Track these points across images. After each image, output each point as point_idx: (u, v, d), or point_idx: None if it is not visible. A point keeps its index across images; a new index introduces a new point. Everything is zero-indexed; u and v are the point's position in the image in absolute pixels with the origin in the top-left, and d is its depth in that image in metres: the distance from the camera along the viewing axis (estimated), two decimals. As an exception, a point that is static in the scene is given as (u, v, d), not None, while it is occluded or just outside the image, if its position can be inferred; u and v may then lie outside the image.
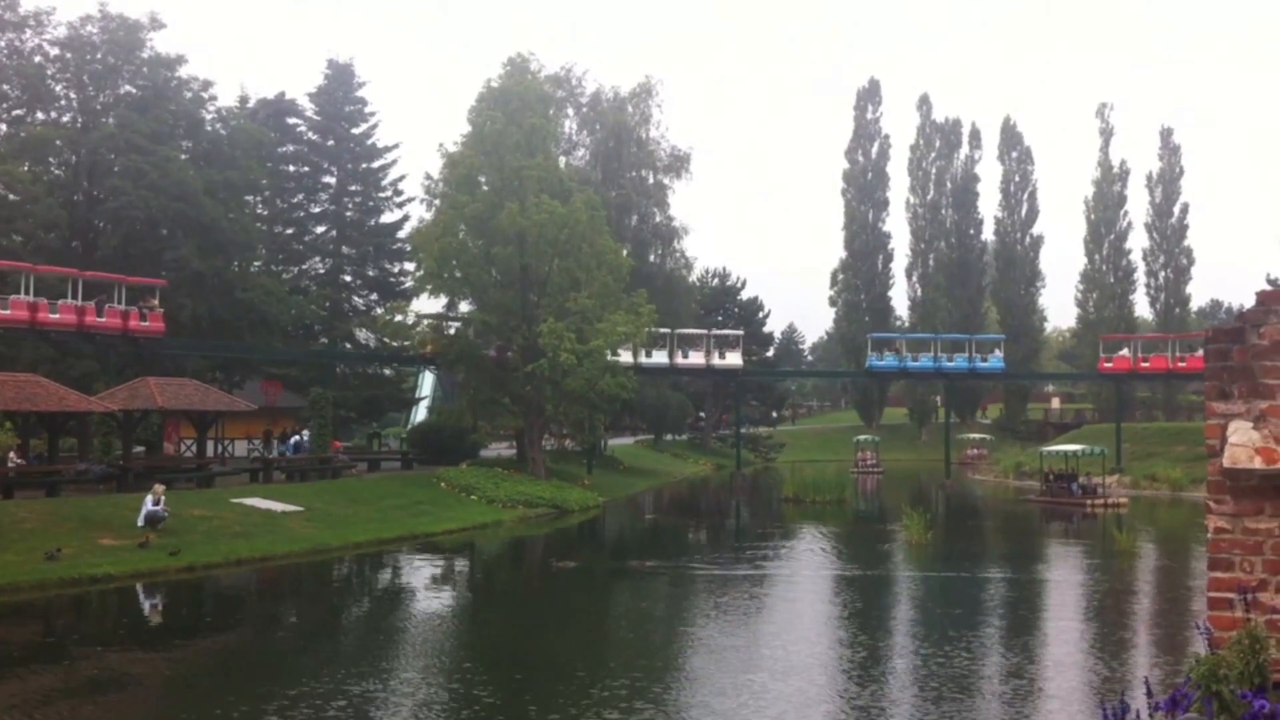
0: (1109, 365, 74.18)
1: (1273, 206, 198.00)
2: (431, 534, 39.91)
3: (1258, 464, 5.92)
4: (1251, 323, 6.09)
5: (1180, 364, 72.09)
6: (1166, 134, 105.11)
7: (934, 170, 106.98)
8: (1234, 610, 5.96)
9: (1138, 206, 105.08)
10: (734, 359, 71.15)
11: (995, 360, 73.74)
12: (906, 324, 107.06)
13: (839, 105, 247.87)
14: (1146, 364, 73.31)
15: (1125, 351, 74.43)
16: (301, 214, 70.74)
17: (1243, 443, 5.97)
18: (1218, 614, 6.04)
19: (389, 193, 71.16)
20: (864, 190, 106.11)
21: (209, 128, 61.11)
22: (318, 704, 16.84)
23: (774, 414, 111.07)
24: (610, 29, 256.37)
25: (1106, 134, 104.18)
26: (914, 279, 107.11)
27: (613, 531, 48.85)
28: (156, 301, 50.11)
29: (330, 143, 69.60)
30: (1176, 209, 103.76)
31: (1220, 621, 6.00)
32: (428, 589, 30.79)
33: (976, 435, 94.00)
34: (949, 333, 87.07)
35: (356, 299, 69.42)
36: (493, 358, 56.30)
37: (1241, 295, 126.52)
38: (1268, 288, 6.42)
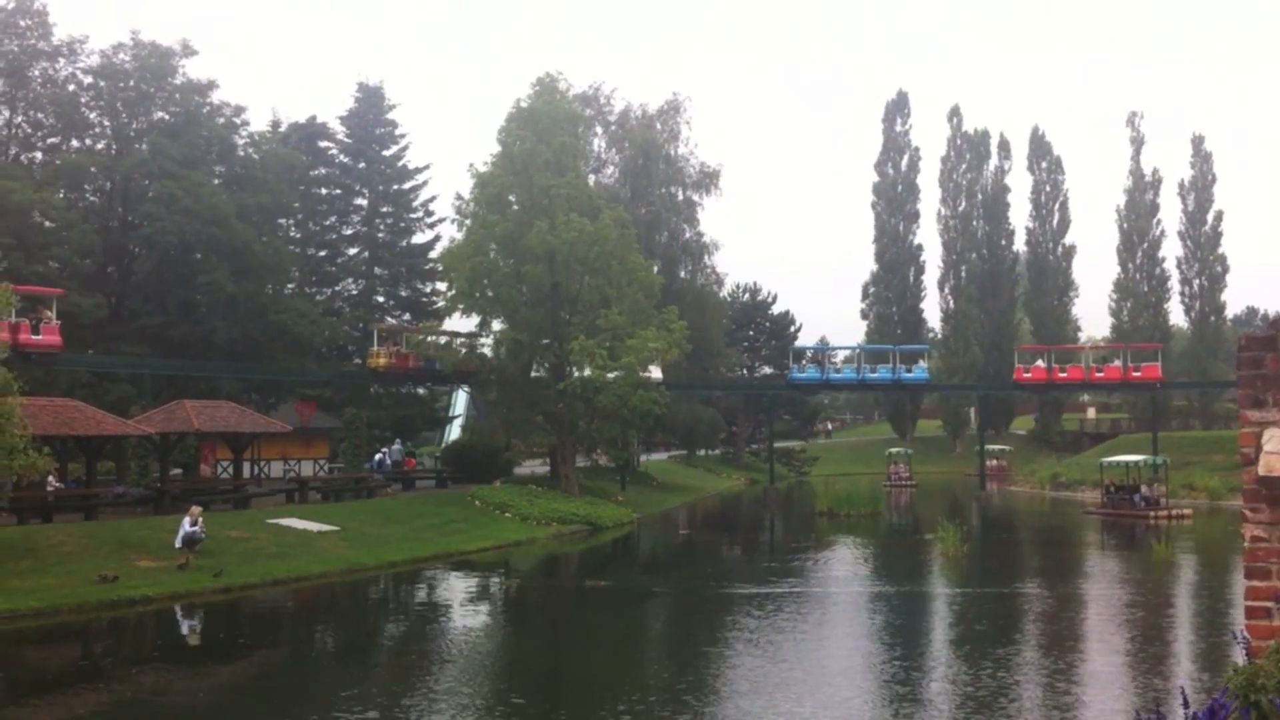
0: (1027, 376, 74.39)
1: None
2: (465, 552, 39.96)
3: (1293, 472, 5.89)
4: (1285, 330, 6.06)
5: (1097, 375, 73.02)
6: (1198, 141, 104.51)
7: (964, 182, 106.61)
8: (1272, 619, 5.92)
9: (1170, 214, 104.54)
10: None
11: (920, 371, 73.53)
12: (939, 336, 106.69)
13: (868, 118, 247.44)
14: (1064, 375, 73.75)
15: (1041, 362, 74.92)
16: (334, 236, 71.20)
17: (1278, 450, 5.93)
18: (1255, 623, 5.99)
19: (420, 214, 71.58)
20: (894, 203, 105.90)
21: (241, 152, 61.61)
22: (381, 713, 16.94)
23: (814, 427, 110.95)
24: (638, 47, 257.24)
25: (1137, 142, 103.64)
26: (946, 291, 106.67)
27: (646, 548, 48.81)
28: (52, 313, 46.21)
29: (361, 165, 70.05)
30: (1210, 216, 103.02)
31: (1258, 630, 5.95)
32: (462, 607, 30.84)
33: (996, 447, 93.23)
34: (981, 346, 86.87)
35: (389, 319, 69.71)
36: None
37: (1277, 302, 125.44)
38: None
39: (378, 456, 55.04)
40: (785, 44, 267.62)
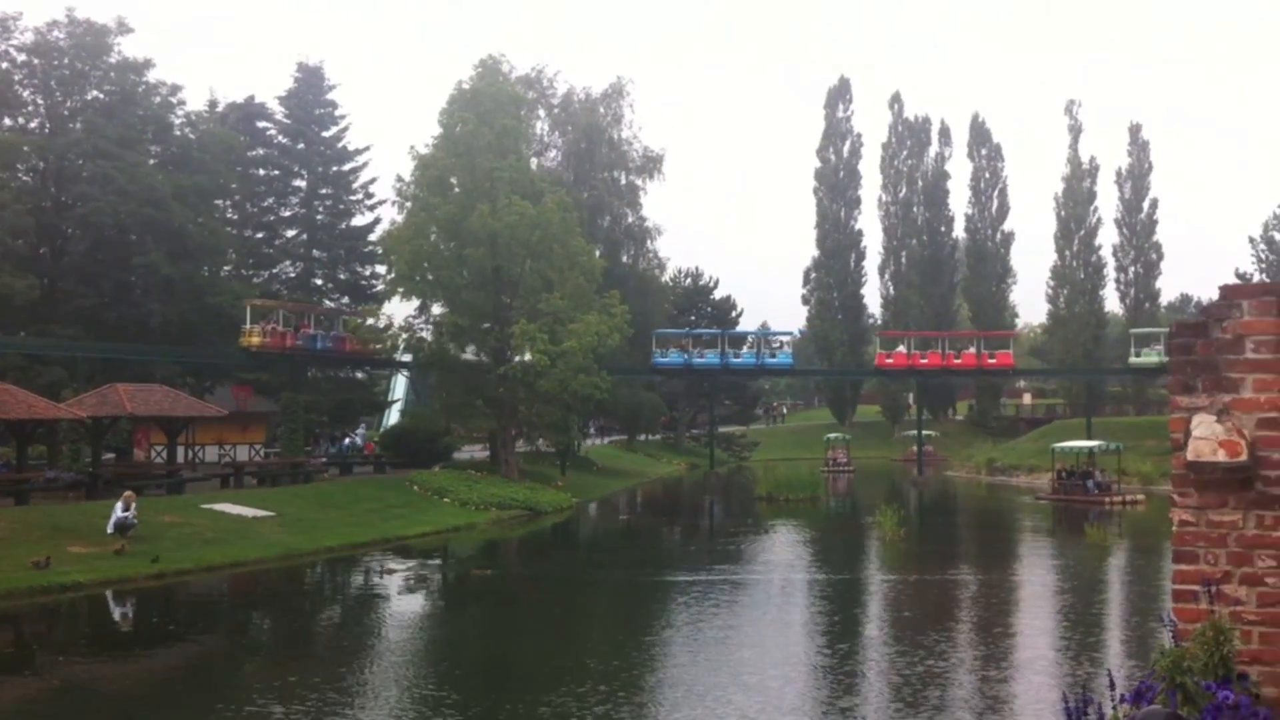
0: (889, 361, 75.77)
1: (1242, 201, 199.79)
2: (404, 537, 39.76)
3: (1221, 457, 5.94)
4: (1215, 317, 6.11)
5: (955, 361, 74.79)
6: (1135, 130, 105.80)
7: (905, 168, 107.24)
8: (1198, 603, 5.98)
9: (1107, 202, 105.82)
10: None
11: (784, 356, 74.34)
12: (879, 321, 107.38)
13: (810, 104, 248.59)
14: (924, 360, 75.24)
15: (902, 348, 76.33)
16: (272, 218, 70.40)
17: (1206, 436, 5.99)
18: (1182, 606, 6.06)
19: (360, 195, 70.92)
20: (836, 189, 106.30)
21: (178, 132, 60.67)
22: (278, 712, 16.77)
23: (772, 409, 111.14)
24: (581, 30, 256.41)
25: (1075, 130, 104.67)
26: (886, 277, 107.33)
27: (586, 533, 48.86)
28: None
29: (300, 146, 69.30)
30: (1146, 205, 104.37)
31: (1185, 614, 6.01)
32: (400, 593, 30.67)
33: (926, 432, 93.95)
34: (922, 329, 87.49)
35: (328, 302, 69.07)
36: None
37: (1211, 289, 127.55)
38: (1235, 281, 6.45)
39: (347, 440, 55.35)
40: (728, 28, 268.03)
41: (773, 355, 74.13)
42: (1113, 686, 5.53)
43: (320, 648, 23.41)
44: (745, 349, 74.20)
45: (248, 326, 53.95)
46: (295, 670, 20.19)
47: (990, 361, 74.59)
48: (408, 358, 60.86)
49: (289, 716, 16.52)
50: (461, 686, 18.92)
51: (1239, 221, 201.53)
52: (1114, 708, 5.20)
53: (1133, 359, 77.87)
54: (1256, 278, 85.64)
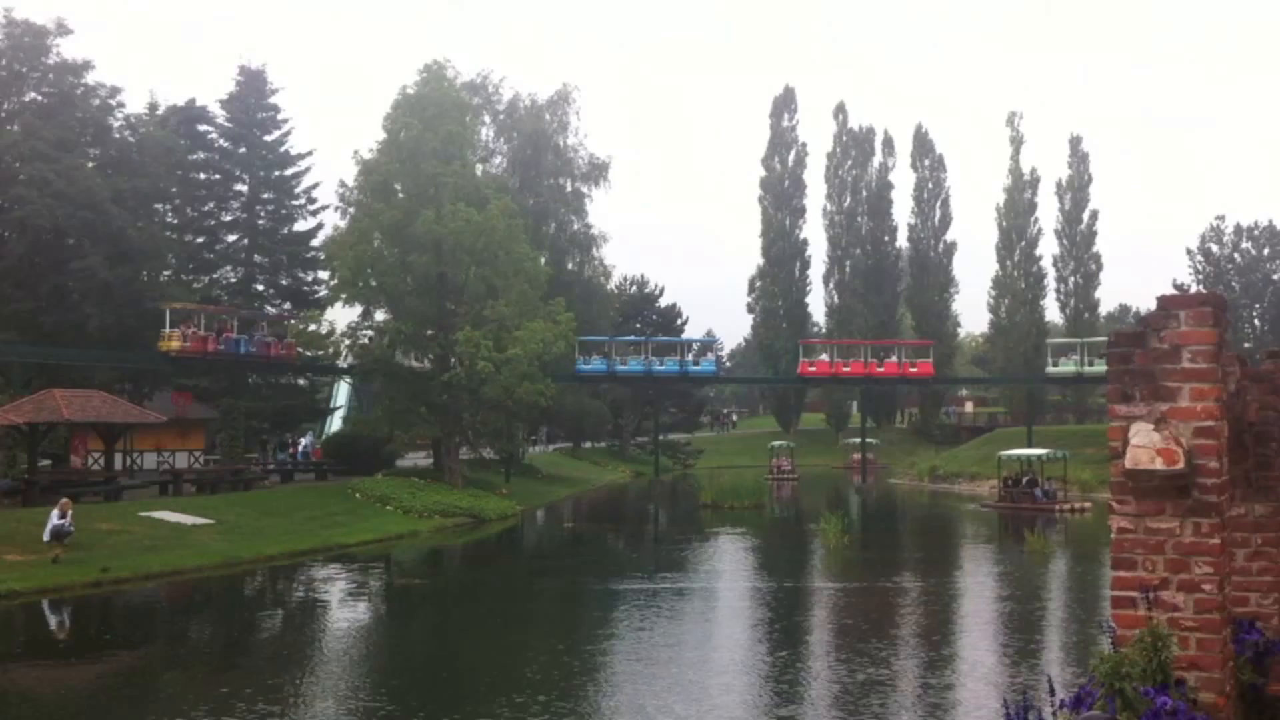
0: (811, 369, 76.45)
1: (1179, 212, 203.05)
2: (346, 545, 39.44)
3: (1159, 465, 6.01)
4: (1153, 326, 6.18)
5: (877, 369, 76.11)
6: (1075, 142, 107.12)
7: (850, 178, 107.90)
8: (1137, 609, 6.05)
9: (1048, 213, 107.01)
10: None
11: (707, 364, 75.09)
12: (824, 330, 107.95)
13: (756, 113, 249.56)
14: (846, 369, 76.39)
15: (824, 356, 77.44)
16: (212, 222, 69.63)
17: (1144, 444, 6.06)
18: (1121, 612, 6.12)
19: (302, 200, 70.34)
20: (781, 198, 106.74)
21: (117, 135, 59.92)
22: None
23: (722, 417, 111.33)
24: (527, 37, 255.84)
25: (1017, 142, 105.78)
26: (831, 286, 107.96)
27: (530, 541, 48.74)
28: None
29: (242, 150, 68.64)
30: (1085, 215, 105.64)
31: (1124, 620, 6.08)
32: (339, 602, 30.39)
33: (859, 440, 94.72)
34: (866, 338, 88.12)
35: (270, 308, 68.42)
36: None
37: (1148, 300, 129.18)
38: (1173, 292, 6.55)
39: (303, 442, 54.33)
40: (675, 37, 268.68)
41: (696, 363, 74.32)
42: (1053, 692, 5.57)
43: (257, 657, 23.14)
44: (669, 357, 74.30)
45: (167, 330, 53.02)
46: (229, 680, 19.95)
47: (911, 370, 76.16)
48: (345, 363, 60.31)
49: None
50: (398, 697, 18.74)
51: (1177, 233, 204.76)
52: (1054, 713, 5.23)
53: (1049, 369, 80.00)
54: (1193, 288, 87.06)
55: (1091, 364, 77.68)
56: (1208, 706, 5.85)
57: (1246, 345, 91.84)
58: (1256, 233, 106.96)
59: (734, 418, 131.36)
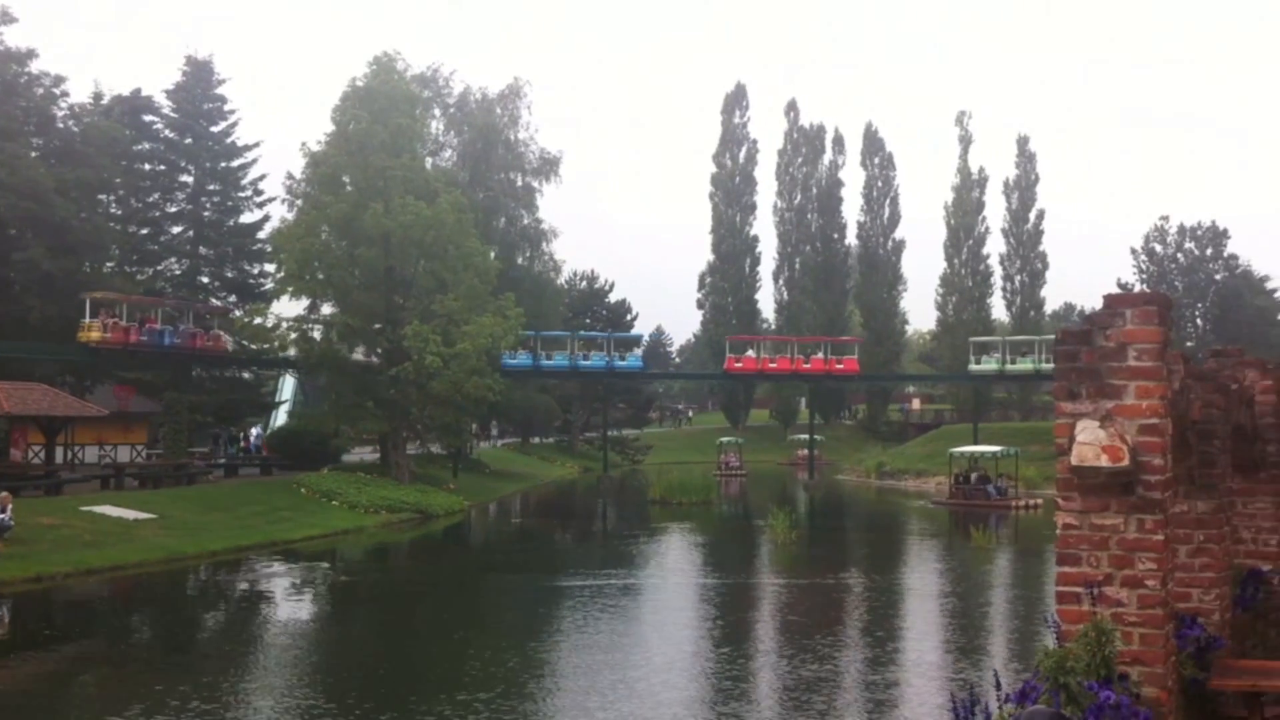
0: (738, 366, 77.45)
1: (1124, 212, 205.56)
2: (291, 541, 39.11)
3: (1104, 462, 6.05)
4: (1099, 325, 6.23)
5: (803, 365, 77.21)
6: (1023, 142, 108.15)
7: (800, 175, 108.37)
8: (1081, 604, 6.09)
9: (995, 212, 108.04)
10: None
11: (633, 359, 75.32)
12: (773, 326, 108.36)
13: (708, 109, 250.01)
14: (773, 365, 77.47)
15: (751, 353, 78.36)
16: (157, 214, 68.69)
17: (1089, 441, 6.10)
18: (1066, 608, 6.16)
19: (249, 192, 69.54)
20: (731, 194, 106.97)
21: (61, 125, 58.95)
22: (169, 718, 16.35)
23: (652, 415, 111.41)
24: (478, 31, 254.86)
25: (966, 141, 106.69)
26: (781, 282, 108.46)
27: (477, 536, 48.59)
28: None
29: (188, 141, 67.79)
30: (1032, 215, 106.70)
31: (1068, 615, 6.12)
32: (284, 598, 30.11)
33: (805, 437, 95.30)
34: (812, 335, 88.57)
35: (214, 301, 67.66)
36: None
37: (1093, 299, 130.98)
38: (1117, 291, 6.59)
39: (255, 434, 55.58)
40: (626, 33, 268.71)
41: (622, 358, 74.42)
42: (999, 687, 5.59)
43: (196, 654, 22.84)
44: (595, 352, 74.17)
45: (86, 320, 51.85)
46: (166, 678, 19.64)
47: (838, 367, 77.25)
48: (284, 355, 59.73)
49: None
50: (336, 694, 18.55)
51: (1123, 233, 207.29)
52: (1000, 707, 5.26)
53: (972, 366, 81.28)
54: (1137, 288, 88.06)
55: (1014, 361, 78.92)
56: (1150, 701, 5.90)
57: (1189, 344, 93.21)
58: (1199, 233, 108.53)
59: (689, 413, 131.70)
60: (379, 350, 55.08)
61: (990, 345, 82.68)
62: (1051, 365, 79.15)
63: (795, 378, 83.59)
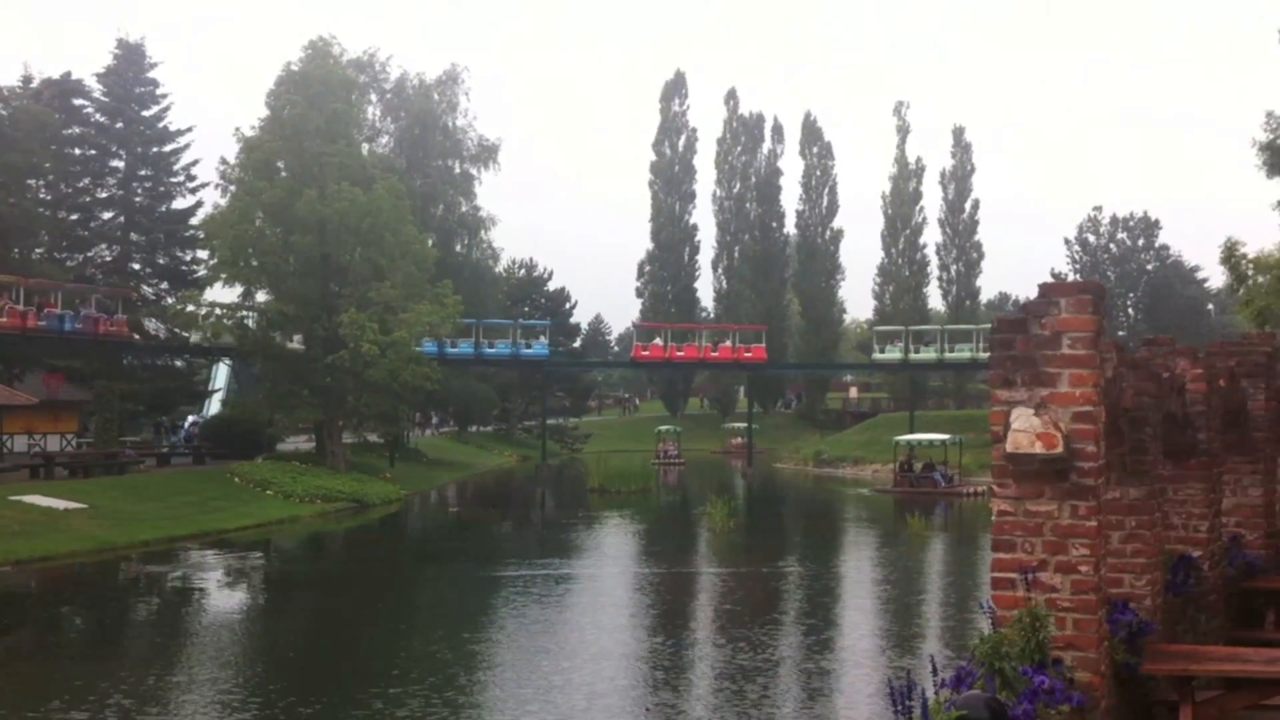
0: (645, 353, 78.42)
1: (1057, 202, 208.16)
2: (225, 531, 38.70)
3: (1038, 449, 6.10)
4: (1034, 313, 6.27)
5: (711, 353, 78.44)
6: (959, 132, 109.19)
7: (739, 164, 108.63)
8: (1016, 590, 6.14)
9: (932, 202, 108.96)
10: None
11: (539, 347, 75.44)
12: (712, 315, 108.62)
13: (647, 98, 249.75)
14: (680, 353, 78.48)
15: (659, 340, 79.35)
16: (87, 199, 67.59)
17: (1024, 429, 6.14)
18: (1001, 593, 6.21)
19: (181, 178, 68.61)
20: (671, 182, 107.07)
21: (-11, 108, 57.89)
22: (88, 713, 16.09)
23: (590, 404, 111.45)
24: (414, 16, 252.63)
25: (903, 131, 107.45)
26: (719, 271, 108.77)
27: (415, 526, 48.34)
28: None
29: (119, 125, 66.74)
30: (968, 205, 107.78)
31: (1003, 601, 6.16)
32: (216, 588, 29.73)
33: (740, 425, 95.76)
34: (754, 323, 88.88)
35: (146, 288, 66.71)
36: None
37: (1027, 288, 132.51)
38: (1051, 280, 6.64)
39: (189, 420, 55.19)
40: (566, 21, 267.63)
41: (529, 346, 74.32)
42: (935, 672, 5.61)
43: (123, 647, 22.49)
44: (500, 340, 73.86)
45: None
46: (90, 672, 19.24)
47: (746, 355, 77.95)
48: (198, 342, 59.11)
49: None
50: (266, 687, 18.31)
51: (1059, 224, 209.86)
52: (936, 693, 5.28)
53: (876, 355, 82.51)
54: (1071, 278, 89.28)
55: (918, 351, 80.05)
56: (1084, 685, 5.95)
57: (1121, 333, 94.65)
58: (1132, 223, 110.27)
59: (636, 402, 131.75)
60: (315, 338, 54.55)
61: (894, 334, 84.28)
62: (953, 353, 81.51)
63: (702, 366, 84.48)
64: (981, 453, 55.02)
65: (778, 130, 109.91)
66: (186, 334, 57.15)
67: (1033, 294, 6.37)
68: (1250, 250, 29.56)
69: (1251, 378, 10.83)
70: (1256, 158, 29.40)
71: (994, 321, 6.54)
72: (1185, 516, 9.22)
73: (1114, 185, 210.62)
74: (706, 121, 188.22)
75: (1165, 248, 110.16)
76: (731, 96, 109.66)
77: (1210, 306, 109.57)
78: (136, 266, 67.91)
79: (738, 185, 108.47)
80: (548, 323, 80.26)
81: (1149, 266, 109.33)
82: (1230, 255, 29.65)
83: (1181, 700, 6.96)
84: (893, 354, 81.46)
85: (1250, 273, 29.25)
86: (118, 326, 56.21)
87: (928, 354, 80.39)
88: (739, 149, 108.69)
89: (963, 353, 79.90)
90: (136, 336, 57.17)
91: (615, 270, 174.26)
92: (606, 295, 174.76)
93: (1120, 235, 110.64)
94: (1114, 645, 6.62)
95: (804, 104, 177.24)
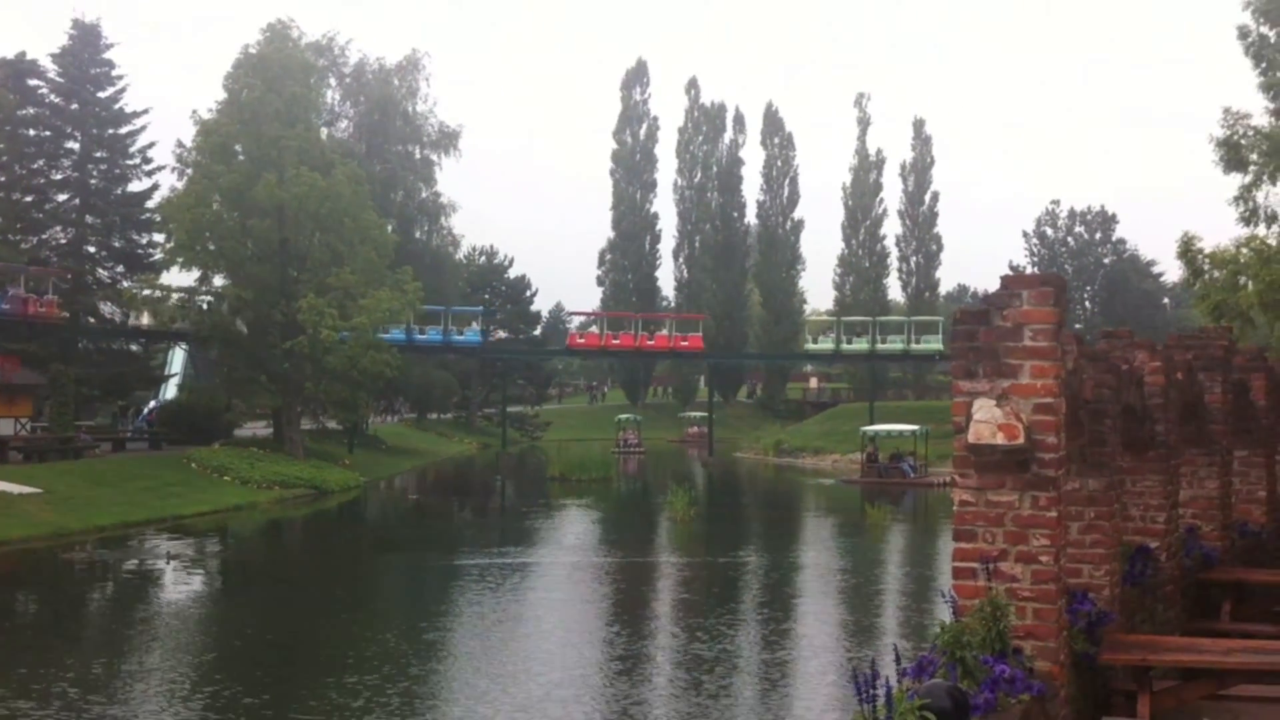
0: (580, 341, 78.99)
1: (1014, 196, 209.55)
2: (181, 516, 38.42)
3: (1000, 440, 6.13)
4: (996, 305, 6.30)
5: (648, 342, 78.84)
6: (919, 125, 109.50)
7: (701, 153, 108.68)
8: (977, 579, 6.17)
9: (892, 194, 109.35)
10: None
11: (471, 334, 75.37)
12: (673, 304, 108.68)
13: (610, 86, 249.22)
14: (616, 341, 79.09)
15: (594, 329, 80.00)
16: (42, 180, 66.57)
17: (986, 419, 6.18)
18: (962, 583, 6.24)
19: (138, 160, 67.75)
20: (632, 171, 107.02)
21: (-60, 88, 57.00)
22: (32, 703, 15.91)
23: (551, 391, 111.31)
24: (376, 2, 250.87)
25: (864, 123, 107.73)
26: (680, 260, 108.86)
27: (373, 514, 48.12)
28: None
29: (75, 107, 65.80)
30: (927, 197, 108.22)
31: (964, 590, 6.20)
32: (171, 575, 29.44)
33: (697, 414, 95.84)
34: (714, 312, 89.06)
35: (101, 271, 65.93)
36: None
37: (985, 280, 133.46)
38: (1009, 273, 6.67)
39: (150, 405, 55.85)
40: (531, 6, 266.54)
41: (460, 333, 74.15)
42: (898, 661, 5.63)
43: (75, 635, 22.19)
44: (432, 327, 73.49)
45: None
46: (38, 660, 18.93)
47: (683, 344, 78.30)
48: (151, 328, 58.66)
49: (11, 714, 15.54)
50: (219, 676, 18.08)
51: (1018, 217, 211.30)
52: (899, 681, 5.30)
53: (808, 346, 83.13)
54: (1029, 270, 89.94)
55: (850, 341, 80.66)
56: (1043, 675, 6.00)
57: (1077, 326, 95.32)
58: (1089, 217, 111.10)
59: (604, 389, 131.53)
60: (273, 323, 54.16)
61: (826, 325, 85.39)
62: (886, 345, 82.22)
63: (638, 355, 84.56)
64: (941, 443, 55.36)
65: (739, 120, 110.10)
66: (129, 316, 56.35)
67: (992, 286, 6.41)
68: (1207, 245, 29.82)
69: (1208, 371, 10.95)
70: (1214, 154, 29.61)
71: (956, 313, 6.58)
72: (1143, 508, 9.30)
73: (1078, 180, 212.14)
74: (668, 111, 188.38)
75: (1122, 241, 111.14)
76: (693, 86, 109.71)
77: (1166, 300, 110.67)
78: (92, 249, 67.05)
79: (699, 175, 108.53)
80: (480, 309, 79.47)
81: (1106, 260, 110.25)
82: (1187, 250, 29.89)
83: (1139, 690, 7.03)
84: (825, 345, 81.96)
85: (1206, 267, 29.51)
86: (47, 308, 55.25)
87: (860, 345, 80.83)
88: (700, 138, 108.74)
89: (894, 345, 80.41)
90: (67, 315, 55.97)
91: (577, 258, 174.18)
92: (568, 283, 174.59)
93: (1078, 229, 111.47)
94: (1073, 635, 6.67)
95: (766, 95, 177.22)
